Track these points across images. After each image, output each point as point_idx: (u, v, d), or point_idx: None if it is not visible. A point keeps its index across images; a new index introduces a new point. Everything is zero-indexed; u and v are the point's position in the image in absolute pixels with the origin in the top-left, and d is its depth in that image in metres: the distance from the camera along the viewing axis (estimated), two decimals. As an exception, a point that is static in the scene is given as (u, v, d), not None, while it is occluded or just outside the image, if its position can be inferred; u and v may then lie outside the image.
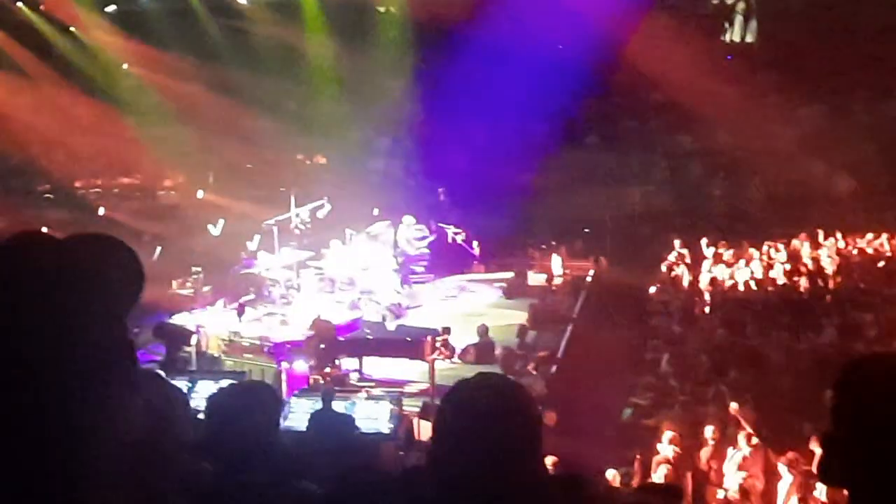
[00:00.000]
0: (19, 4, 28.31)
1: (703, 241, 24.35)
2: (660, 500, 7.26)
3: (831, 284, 21.59)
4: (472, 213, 25.71)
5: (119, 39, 28.63)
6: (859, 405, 2.52)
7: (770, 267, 22.18)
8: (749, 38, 30.63)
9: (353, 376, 18.38)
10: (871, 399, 2.50)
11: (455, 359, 19.49)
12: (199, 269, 23.49)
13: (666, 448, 13.89)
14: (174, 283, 23.48)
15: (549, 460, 12.22)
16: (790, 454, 12.95)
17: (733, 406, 14.77)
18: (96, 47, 28.81)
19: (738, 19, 30.73)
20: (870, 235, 23.81)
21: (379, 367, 18.92)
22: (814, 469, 12.27)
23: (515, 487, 2.60)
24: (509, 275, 25.23)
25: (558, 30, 25.94)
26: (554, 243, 25.95)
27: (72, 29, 28.62)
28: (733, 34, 30.93)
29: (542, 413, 2.82)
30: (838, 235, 23.64)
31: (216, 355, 18.66)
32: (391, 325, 20.66)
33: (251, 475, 3.50)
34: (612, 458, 13.47)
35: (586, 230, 27.14)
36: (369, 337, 19.26)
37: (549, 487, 2.86)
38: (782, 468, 13.02)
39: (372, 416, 14.91)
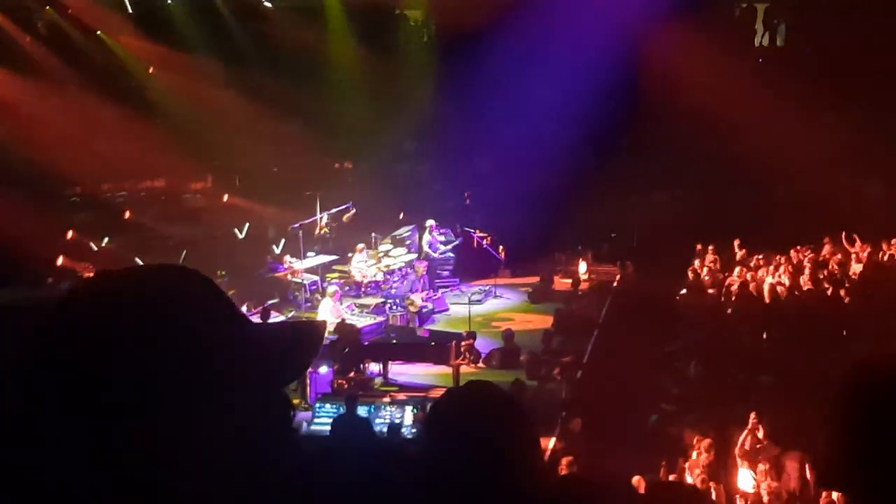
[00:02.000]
0: (47, 9, 28.45)
1: (731, 247, 24.17)
2: (674, 497, 7.18)
3: (860, 291, 21.36)
4: (498, 217, 25.64)
5: (145, 43, 28.73)
6: (861, 409, 2.47)
7: (798, 273, 21.98)
8: (778, 43, 30.44)
9: (378, 381, 18.33)
10: (873, 403, 2.46)
11: (480, 363, 19.42)
12: (224, 272, 23.51)
13: (694, 454, 13.79)
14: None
15: (565, 460, 12.22)
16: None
17: (760, 413, 14.64)
18: (123, 51, 28.92)
19: (767, 24, 30.54)
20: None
21: (404, 371, 18.90)
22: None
23: (505, 497, 2.55)
24: (535, 279, 25.14)
25: (586, 35, 25.79)
26: (580, 248, 25.84)
27: (98, 33, 28.74)
28: (763, 39, 30.74)
29: (535, 422, 2.78)
30: (867, 241, 23.41)
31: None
32: (416, 330, 20.63)
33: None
34: (638, 463, 13.33)
35: (613, 235, 27.00)
36: (394, 341, 19.21)
37: (546, 496, 2.83)
38: (809, 475, 12.89)
39: (396, 421, 14.86)
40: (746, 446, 14.16)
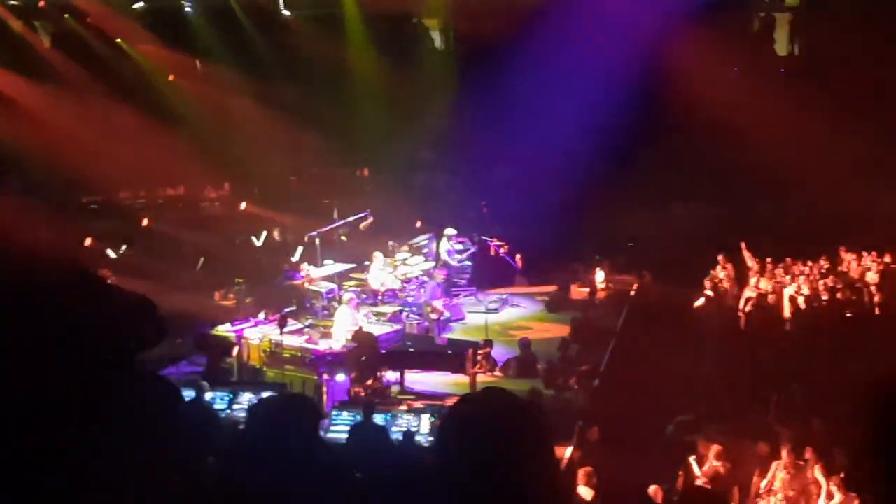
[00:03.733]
0: (66, 17, 28.58)
1: (748, 257, 24.09)
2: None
3: (878, 302, 21.26)
4: (515, 226, 25.61)
5: (165, 52, 28.84)
6: (887, 417, 2.53)
7: (816, 284, 21.88)
8: (797, 54, 30.37)
9: (395, 389, 18.32)
10: None
11: (496, 372, 19.38)
12: (242, 280, 23.54)
13: (712, 463, 13.75)
14: (217, 295, 23.57)
15: (583, 470, 12.22)
16: (835, 474, 12.75)
17: (777, 423, 14.59)
18: (142, 59, 29.04)
19: (785, 34, 30.48)
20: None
21: (420, 380, 18.89)
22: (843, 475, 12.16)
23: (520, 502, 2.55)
24: (552, 288, 25.10)
25: (604, 46, 25.78)
26: (598, 257, 25.78)
27: (118, 41, 28.86)
28: (780, 49, 30.67)
29: (550, 429, 2.79)
30: (886, 251, 23.30)
31: (258, 366, 18.65)
32: (433, 338, 20.61)
33: (287, 486, 3.46)
34: (654, 473, 13.30)
35: (630, 244, 26.94)
36: (411, 350, 19.20)
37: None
38: (826, 486, 12.82)
39: (412, 430, 14.85)
40: (763, 456, 14.11)
